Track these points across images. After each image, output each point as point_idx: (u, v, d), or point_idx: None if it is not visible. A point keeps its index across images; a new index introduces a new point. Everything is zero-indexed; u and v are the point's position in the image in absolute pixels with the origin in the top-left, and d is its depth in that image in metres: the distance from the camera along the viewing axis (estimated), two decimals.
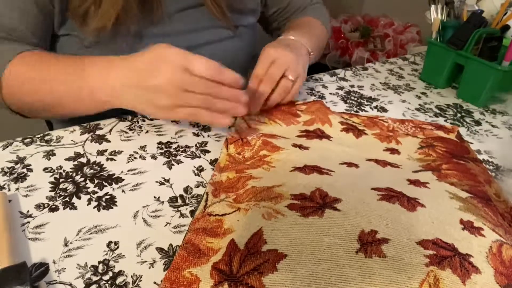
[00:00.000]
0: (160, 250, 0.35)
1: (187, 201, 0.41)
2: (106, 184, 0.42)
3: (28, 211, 0.38)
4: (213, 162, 0.47)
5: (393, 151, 0.51)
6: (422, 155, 0.50)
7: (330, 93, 0.68)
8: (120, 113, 0.54)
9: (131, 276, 0.33)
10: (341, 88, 0.70)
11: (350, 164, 0.44)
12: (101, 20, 0.51)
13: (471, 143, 0.58)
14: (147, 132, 0.51)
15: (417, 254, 0.30)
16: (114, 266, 0.33)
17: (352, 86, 0.72)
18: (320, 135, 0.52)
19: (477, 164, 0.50)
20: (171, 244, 0.36)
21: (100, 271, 0.33)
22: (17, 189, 0.40)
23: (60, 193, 0.40)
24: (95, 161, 0.45)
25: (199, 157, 0.48)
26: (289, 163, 0.44)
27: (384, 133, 0.54)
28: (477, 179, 0.46)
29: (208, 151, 0.49)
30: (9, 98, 0.51)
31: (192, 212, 0.40)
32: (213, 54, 0.64)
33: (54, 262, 0.33)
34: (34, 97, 0.50)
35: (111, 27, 0.52)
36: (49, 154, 0.46)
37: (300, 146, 0.48)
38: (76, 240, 0.35)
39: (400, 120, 0.58)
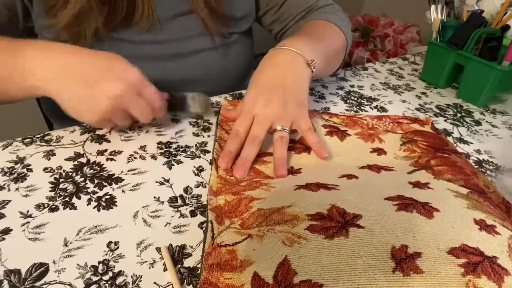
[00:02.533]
0: (160, 250, 0.35)
1: (187, 201, 0.41)
2: (106, 184, 0.42)
3: (28, 211, 0.38)
4: (213, 162, 0.47)
5: (380, 151, 0.51)
6: (407, 152, 0.51)
7: (330, 93, 0.68)
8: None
9: (131, 276, 0.33)
10: (341, 88, 0.70)
11: (349, 176, 0.43)
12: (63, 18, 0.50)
13: (471, 143, 0.58)
14: (147, 132, 0.51)
15: (451, 264, 0.29)
16: (114, 266, 0.33)
17: (352, 86, 0.72)
18: (307, 146, 0.50)
19: (458, 156, 0.50)
20: (171, 244, 0.36)
21: (100, 271, 0.33)
22: (17, 189, 0.40)
23: (60, 193, 0.40)
24: (95, 161, 0.45)
25: (199, 157, 0.48)
26: (289, 182, 0.43)
27: (365, 132, 0.54)
28: (465, 171, 0.46)
29: (208, 151, 0.49)
30: None
31: (192, 212, 0.40)
32: (205, 62, 0.64)
33: (54, 262, 0.33)
34: None
35: (94, 33, 0.53)
36: (49, 154, 0.46)
37: (293, 171, 0.46)
38: (76, 240, 0.35)
39: (377, 116, 0.59)
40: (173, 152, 0.48)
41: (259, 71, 0.52)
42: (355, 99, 0.67)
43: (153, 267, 0.34)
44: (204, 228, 0.38)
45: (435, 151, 0.50)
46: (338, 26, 0.65)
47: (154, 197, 0.41)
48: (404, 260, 0.29)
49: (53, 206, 0.39)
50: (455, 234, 0.32)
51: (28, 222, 0.37)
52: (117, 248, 0.35)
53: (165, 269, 0.33)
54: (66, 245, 0.35)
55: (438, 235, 0.31)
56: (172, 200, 0.41)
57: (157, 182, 0.43)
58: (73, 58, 0.44)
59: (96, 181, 0.42)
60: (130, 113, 0.46)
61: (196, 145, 0.50)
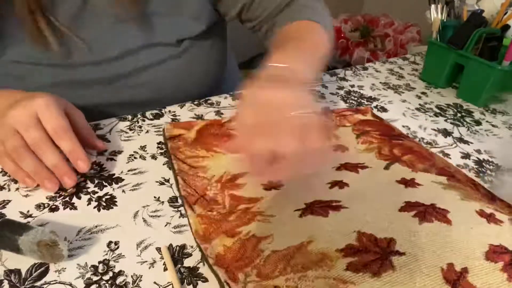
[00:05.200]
0: (160, 250, 0.35)
1: None
2: (106, 184, 0.42)
3: (28, 211, 0.38)
4: (183, 201, 0.41)
5: (342, 148, 0.50)
6: (365, 144, 0.51)
7: (330, 93, 0.68)
8: (120, 113, 0.54)
9: (131, 276, 0.33)
10: (341, 88, 0.70)
11: (340, 185, 0.41)
12: None
13: (471, 143, 0.58)
14: (147, 132, 0.51)
15: (494, 271, 0.29)
16: (114, 266, 0.33)
17: (352, 86, 0.72)
18: None
19: (409, 140, 0.52)
20: (171, 244, 0.36)
21: (100, 271, 0.33)
22: (17, 189, 0.40)
23: (60, 193, 0.40)
24: (95, 161, 0.45)
25: None
26: (282, 202, 0.38)
27: None
28: (427, 156, 0.47)
29: None
30: None
31: None
32: (156, 78, 0.56)
33: (54, 262, 0.33)
34: None
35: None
36: None
37: (273, 186, 0.42)
38: (76, 240, 0.35)
39: (322, 113, 0.56)
40: None
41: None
42: (355, 99, 0.67)
43: (153, 267, 0.34)
44: None
45: (390, 138, 0.51)
46: (322, 26, 0.57)
47: (154, 197, 0.41)
48: (457, 281, 0.28)
49: (53, 206, 0.39)
50: (477, 235, 0.32)
51: (28, 222, 0.37)
52: (117, 248, 0.35)
53: (165, 269, 0.34)
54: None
55: (467, 242, 0.31)
56: (172, 200, 0.41)
57: (157, 182, 0.43)
58: None
59: (96, 181, 0.42)
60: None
61: None
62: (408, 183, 0.41)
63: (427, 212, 0.35)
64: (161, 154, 0.48)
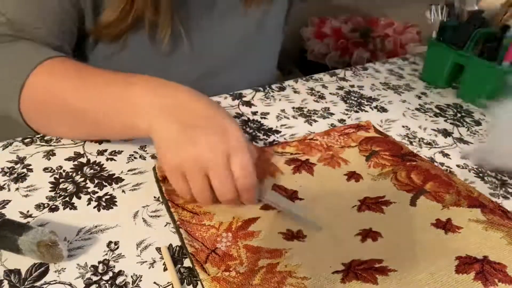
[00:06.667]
0: (160, 250, 0.35)
1: None
2: (106, 184, 0.42)
3: (28, 211, 0.38)
4: (193, 262, 0.35)
5: (354, 176, 0.47)
6: (377, 167, 0.48)
7: (330, 93, 0.68)
8: None
9: (131, 276, 0.33)
10: (341, 88, 0.70)
11: (373, 237, 0.38)
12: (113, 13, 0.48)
13: (471, 143, 0.58)
14: None
15: None
16: (114, 266, 0.33)
17: (352, 86, 0.72)
18: (284, 196, 0.42)
19: (420, 159, 0.50)
20: (171, 244, 0.36)
21: (100, 271, 0.33)
22: (17, 189, 0.40)
23: (60, 193, 0.40)
24: (95, 161, 0.45)
25: None
26: (318, 266, 0.34)
27: (325, 155, 0.50)
28: (448, 182, 0.45)
29: None
30: (29, 111, 0.45)
31: None
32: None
33: (54, 262, 0.33)
34: (61, 109, 0.43)
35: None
36: (49, 154, 0.45)
37: (295, 236, 0.37)
38: (76, 240, 0.35)
39: (325, 133, 0.54)
40: None
41: None
42: (355, 99, 0.67)
43: (153, 267, 0.34)
44: None
45: (401, 159, 0.49)
46: None
47: (154, 197, 0.41)
48: None
49: (53, 206, 0.39)
50: None
51: (28, 222, 0.37)
52: (117, 248, 0.35)
53: (165, 269, 0.34)
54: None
55: None
56: None
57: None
58: (183, 99, 0.40)
59: (96, 181, 0.42)
60: (209, 182, 0.37)
61: None
62: (447, 226, 0.39)
63: (486, 272, 0.34)
64: None
